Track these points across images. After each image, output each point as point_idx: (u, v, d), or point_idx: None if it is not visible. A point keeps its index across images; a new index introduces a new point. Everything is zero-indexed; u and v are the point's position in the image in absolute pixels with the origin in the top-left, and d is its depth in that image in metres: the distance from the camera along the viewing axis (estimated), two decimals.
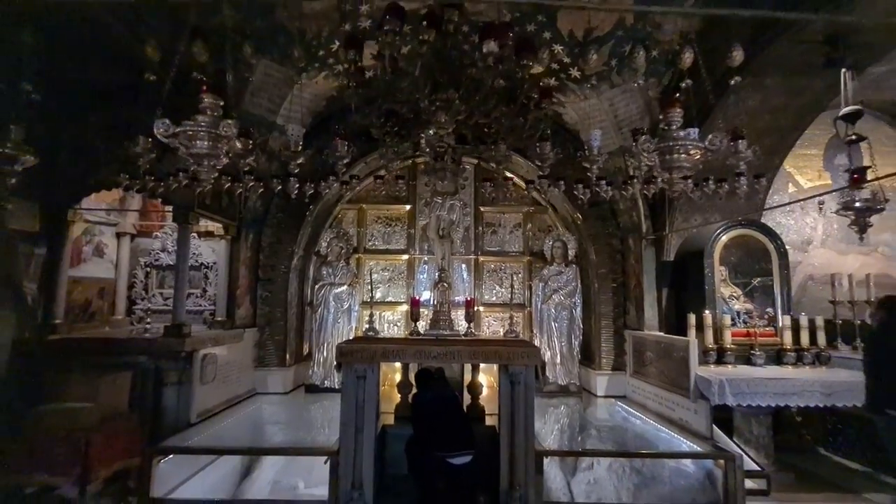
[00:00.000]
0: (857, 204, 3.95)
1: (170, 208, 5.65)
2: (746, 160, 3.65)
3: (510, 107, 3.40)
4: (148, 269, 5.96)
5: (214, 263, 6.14)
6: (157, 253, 6.02)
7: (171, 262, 5.94)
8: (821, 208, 5.68)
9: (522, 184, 6.97)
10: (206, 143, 2.71)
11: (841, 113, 3.91)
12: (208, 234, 6.04)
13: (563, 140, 6.54)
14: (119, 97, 4.71)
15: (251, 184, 3.66)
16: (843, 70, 3.93)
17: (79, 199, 4.88)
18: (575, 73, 5.53)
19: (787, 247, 5.78)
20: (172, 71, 3.51)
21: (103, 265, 5.72)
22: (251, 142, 3.31)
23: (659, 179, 2.79)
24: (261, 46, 5.17)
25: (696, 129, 3.22)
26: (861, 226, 3.98)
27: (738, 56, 3.69)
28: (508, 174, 6.96)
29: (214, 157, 2.75)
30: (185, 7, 4.41)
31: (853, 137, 4.04)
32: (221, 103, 2.81)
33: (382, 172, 5.93)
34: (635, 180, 3.39)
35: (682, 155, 2.65)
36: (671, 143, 2.64)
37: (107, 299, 5.71)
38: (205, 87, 2.75)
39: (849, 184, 3.88)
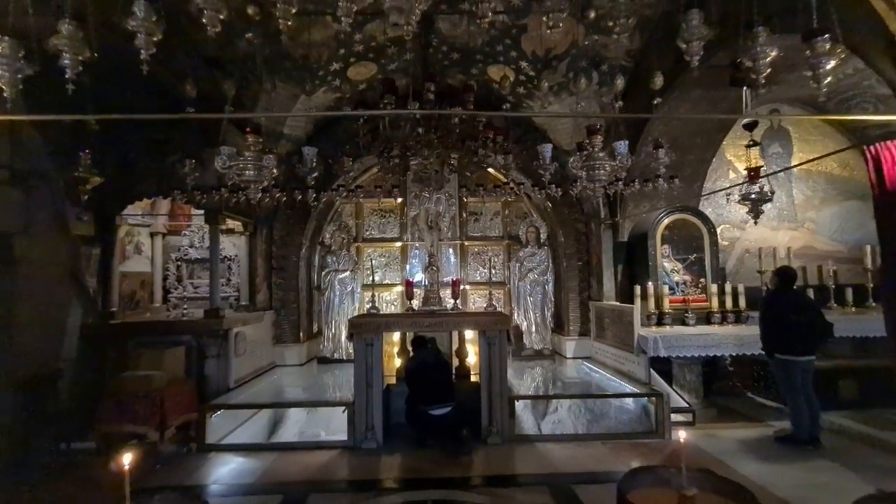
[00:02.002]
0: (752, 196, 5.01)
1: (197, 211, 6.61)
2: (665, 164, 4.72)
3: (469, 142, 4.44)
4: (178, 262, 6.92)
5: (236, 256, 7.11)
6: (186, 248, 6.97)
7: (198, 257, 6.90)
8: (728, 199, 6.77)
9: (501, 177, 7.97)
10: (252, 172, 3.68)
11: (742, 123, 4.94)
12: (229, 231, 6.99)
13: (532, 138, 7.56)
14: (154, 121, 5.60)
15: (277, 194, 4.62)
16: (745, 88, 4.95)
17: (124, 207, 5.81)
18: (541, 84, 6.50)
19: (727, 224, 6.84)
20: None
21: (142, 261, 6.67)
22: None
23: (584, 186, 3.81)
24: (271, 70, 6.03)
25: (626, 143, 4.25)
26: (755, 212, 5.05)
27: (658, 82, 4.68)
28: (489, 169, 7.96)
29: (259, 182, 3.73)
30: (204, 41, 5.29)
31: (751, 143, 5.08)
32: (261, 140, 3.77)
33: (380, 184, 6.92)
34: (578, 182, 4.42)
35: (600, 171, 3.67)
36: (592, 162, 3.66)
37: (146, 289, 6.69)
38: (249, 129, 3.70)
39: (746, 179, 4.93)
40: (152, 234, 6.83)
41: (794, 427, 4.95)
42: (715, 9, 3.01)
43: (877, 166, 2.70)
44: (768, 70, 2.19)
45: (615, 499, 1.98)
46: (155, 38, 2.05)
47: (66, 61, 2.02)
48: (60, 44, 2.00)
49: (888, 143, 2.64)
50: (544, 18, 2.34)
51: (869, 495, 1.93)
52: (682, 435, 2.03)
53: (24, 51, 2.04)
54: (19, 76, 2.06)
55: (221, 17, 2.07)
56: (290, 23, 2.10)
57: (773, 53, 2.19)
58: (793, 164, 7.56)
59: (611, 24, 2.75)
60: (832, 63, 2.24)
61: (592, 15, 4.47)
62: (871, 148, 2.73)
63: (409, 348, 5.73)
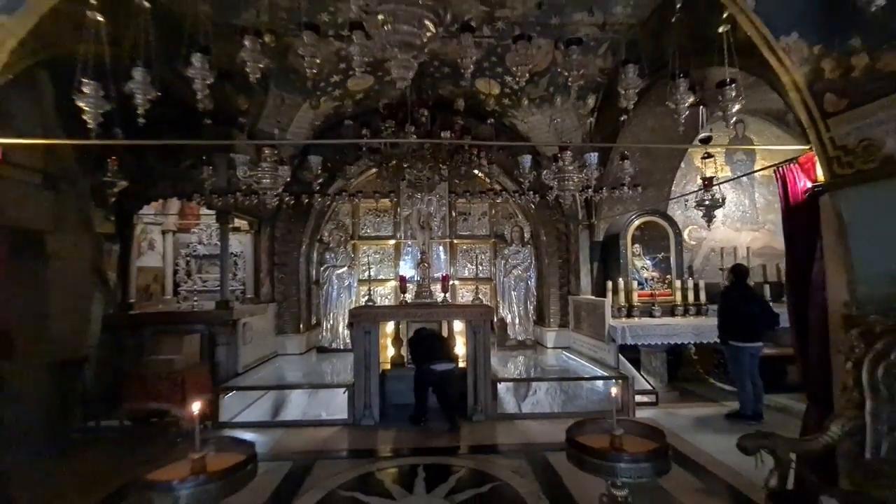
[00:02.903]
0: (706, 202, 5.68)
1: (205, 211, 7.12)
2: (630, 174, 5.37)
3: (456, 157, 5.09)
4: (188, 258, 7.44)
5: (241, 252, 7.65)
6: (195, 245, 7.49)
7: (206, 253, 7.43)
8: (686, 204, 7.46)
9: (487, 181, 8.59)
10: (268, 180, 4.25)
11: (698, 138, 5.60)
12: (236, 230, 7.51)
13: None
14: (170, 128, 6.10)
15: (286, 198, 5.18)
16: (701, 107, 5.60)
17: (141, 207, 6.32)
18: (524, 98, 7.12)
19: (695, 225, 7.51)
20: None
21: (155, 256, 7.19)
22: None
23: (556, 193, 4.44)
24: (278, 83, 6.57)
25: (596, 154, 4.88)
26: (709, 217, 5.73)
27: (638, 83, 5.33)
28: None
29: (274, 189, 4.29)
30: (217, 57, 5.81)
31: (706, 155, 5.76)
32: (277, 152, 4.33)
33: (378, 189, 7.53)
34: (552, 189, 5.04)
35: (569, 182, 4.30)
36: (563, 174, 4.29)
37: (158, 283, 7.21)
38: (266, 148, 4.27)
39: (702, 187, 5.60)
40: (164, 232, 7.34)
41: (741, 404, 5.66)
42: (647, 65, 3.63)
43: (783, 184, 3.35)
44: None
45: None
46: (208, 82, 2.62)
47: (137, 101, 2.57)
48: (134, 87, 2.55)
49: (791, 165, 3.28)
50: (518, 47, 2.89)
51: (751, 433, 2.57)
52: (613, 391, 2.66)
53: (104, 91, 2.59)
54: (100, 111, 2.60)
55: (261, 66, 2.64)
56: (314, 70, 2.68)
57: (691, 100, 2.82)
58: (755, 169, 8.28)
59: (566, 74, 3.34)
60: (737, 106, 2.88)
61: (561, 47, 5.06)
62: (780, 169, 3.38)
63: (402, 338, 6.34)
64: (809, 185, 3.12)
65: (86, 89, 2.56)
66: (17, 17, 2.52)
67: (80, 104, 2.58)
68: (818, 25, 2.43)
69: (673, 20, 3.21)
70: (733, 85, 2.85)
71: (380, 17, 1.93)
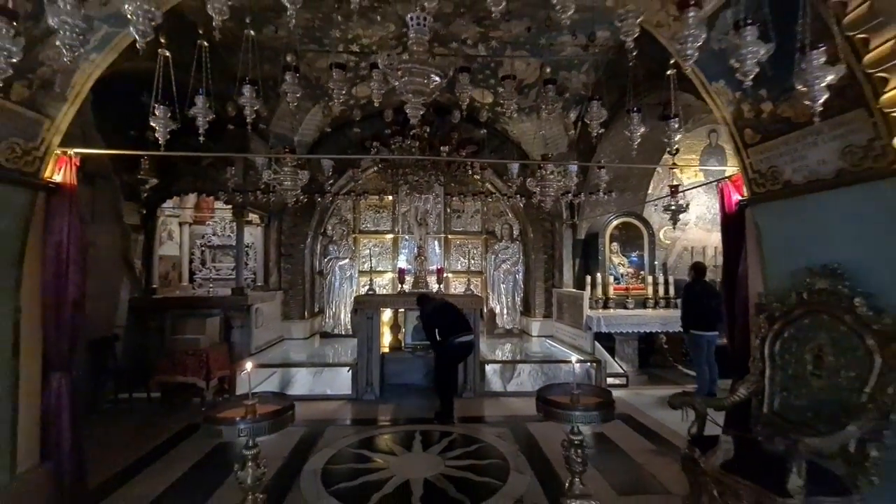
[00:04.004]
0: (672, 207, 6.40)
1: (219, 204, 7.73)
2: (605, 180, 6.08)
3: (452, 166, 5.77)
4: (203, 248, 8.05)
5: (252, 244, 8.27)
6: (209, 236, 8.10)
7: (220, 243, 8.04)
8: (654, 208, 8.21)
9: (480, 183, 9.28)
10: (289, 182, 4.89)
11: (667, 151, 6.31)
12: (247, 223, 8.12)
13: (509, 147, 8.86)
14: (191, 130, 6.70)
15: (302, 196, 5.82)
16: (672, 121, 6.29)
17: (164, 201, 6.91)
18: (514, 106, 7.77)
19: (670, 226, 8.27)
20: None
21: (173, 246, 7.79)
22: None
23: (539, 198, 5.14)
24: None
25: (576, 164, 5.58)
26: (675, 220, 6.45)
27: (602, 115, 6.02)
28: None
29: (294, 190, 4.94)
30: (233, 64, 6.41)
31: (672, 164, 6.49)
32: (298, 158, 4.97)
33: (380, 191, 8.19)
34: (535, 194, 5.74)
35: (550, 189, 5.00)
36: (544, 181, 4.98)
37: (176, 270, 7.82)
38: (287, 149, 4.90)
39: (669, 194, 6.32)
40: (181, 224, 7.94)
41: (698, 386, 6.43)
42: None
43: (722, 197, 4.06)
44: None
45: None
46: (255, 108, 3.28)
47: (199, 123, 3.21)
48: (196, 112, 3.19)
49: (727, 181, 4.00)
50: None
51: (678, 393, 3.29)
52: (577, 367, 3.38)
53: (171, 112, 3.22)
54: (168, 130, 3.24)
55: (299, 94, 3.29)
56: (340, 100, 3.34)
57: (642, 129, 3.52)
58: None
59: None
60: (678, 136, 3.60)
61: (549, 70, 5.76)
62: (719, 184, 4.10)
63: (418, 307, 6.22)
64: (739, 198, 3.83)
65: (158, 112, 3.18)
66: (103, 54, 3.13)
67: (153, 124, 3.22)
68: (736, 77, 3.14)
69: (630, 63, 3.88)
70: (675, 119, 3.56)
71: (399, 72, 2.60)
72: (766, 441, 2.41)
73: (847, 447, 2.49)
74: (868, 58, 2.36)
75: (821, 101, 2.18)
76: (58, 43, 1.93)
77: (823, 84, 2.16)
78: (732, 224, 3.94)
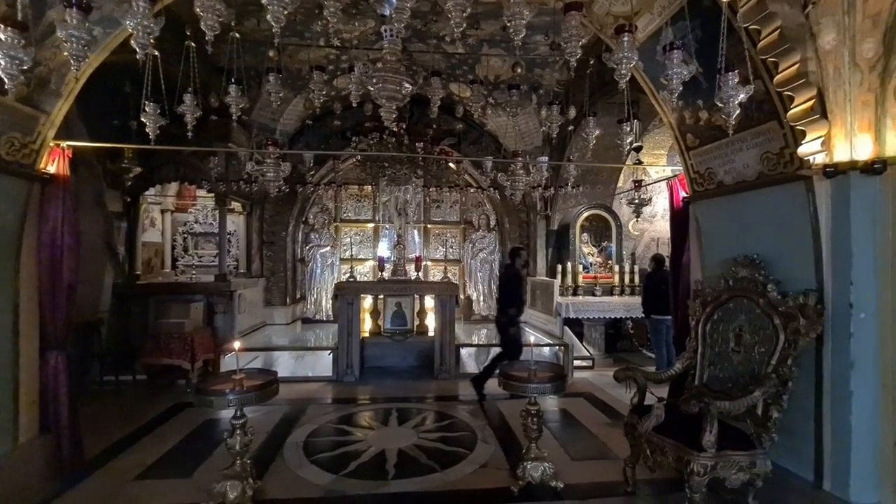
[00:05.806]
0: (635, 201, 6.87)
1: (201, 192, 7.88)
2: (573, 175, 6.47)
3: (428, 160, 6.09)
4: (185, 235, 8.20)
5: (235, 231, 8.45)
6: (192, 224, 8.24)
7: (202, 231, 8.20)
8: (620, 200, 8.70)
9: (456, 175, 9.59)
10: (272, 174, 5.13)
11: (630, 147, 6.73)
12: (230, 211, 8.28)
13: (486, 140, 9.19)
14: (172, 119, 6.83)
15: (284, 186, 6.06)
16: (635, 121, 6.70)
17: (147, 189, 7.04)
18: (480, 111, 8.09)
19: (638, 217, 8.73)
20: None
21: (155, 233, 7.92)
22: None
23: (509, 191, 5.51)
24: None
25: (546, 157, 5.95)
26: (638, 213, 6.92)
27: (571, 113, 6.39)
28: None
29: (277, 181, 5.19)
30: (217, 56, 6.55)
31: (637, 160, 6.94)
32: (279, 151, 5.21)
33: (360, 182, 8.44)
34: (507, 186, 6.10)
35: (519, 183, 5.36)
36: (514, 176, 5.34)
37: (159, 257, 7.96)
38: (270, 141, 5.12)
39: (633, 188, 6.77)
40: (163, 211, 8.06)
41: (656, 366, 6.94)
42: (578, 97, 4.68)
43: (671, 193, 4.48)
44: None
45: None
46: (241, 106, 3.53)
47: (187, 119, 3.45)
48: (185, 108, 3.42)
49: (675, 179, 4.41)
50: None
51: (621, 368, 3.72)
52: (531, 340, 3.77)
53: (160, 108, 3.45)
54: (158, 125, 3.46)
55: (281, 94, 3.55)
56: (320, 101, 3.61)
57: (597, 132, 3.89)
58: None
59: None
60: (631, 138, 3.98)
61: (519, 70, 6.08)
62: (669, 182, 4.51)
63: (509, 260, 6.08)
64: (684, 195, 4.25)
65: (148, 109, 3.41)
66: (96, 54, 3.33)
67: (144, 120, 3.44)
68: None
69: (588, 71, 4.24)
70: (628, 123, 3.94)
71: (374, 80, 2.90)
72: (683, 405, 2.82)
73: (755, 410, 2.94)
74: (777, 78, 2.75)
75: (735, 115, 2.56)
76: (65, 54, 2.17)
77: (736, 102, 2.54)
78: (679, 218, 4.36)
